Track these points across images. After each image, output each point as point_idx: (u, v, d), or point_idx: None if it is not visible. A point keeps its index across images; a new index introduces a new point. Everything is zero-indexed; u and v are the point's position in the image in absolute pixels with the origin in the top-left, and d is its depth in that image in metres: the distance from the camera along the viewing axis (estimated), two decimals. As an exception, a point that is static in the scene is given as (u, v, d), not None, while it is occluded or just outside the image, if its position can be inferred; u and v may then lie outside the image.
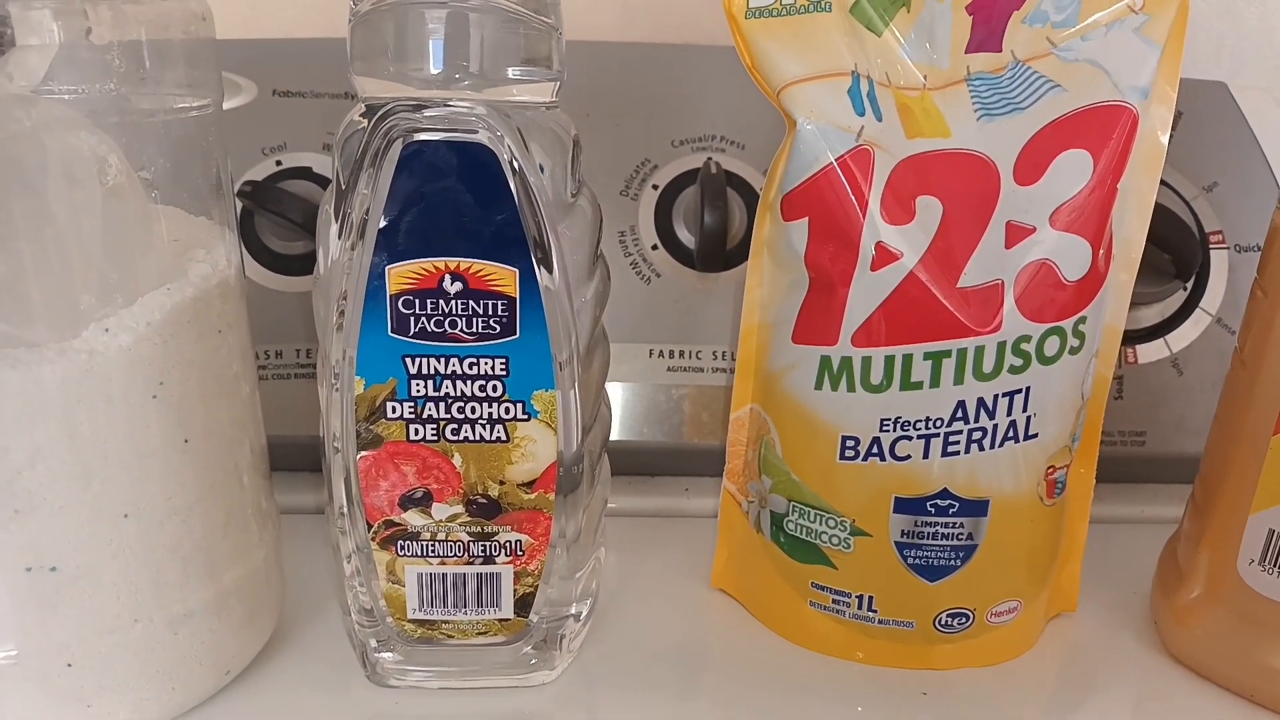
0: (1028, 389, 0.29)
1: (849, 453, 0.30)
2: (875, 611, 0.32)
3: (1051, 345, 0.29)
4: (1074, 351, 0.30)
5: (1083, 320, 0.30)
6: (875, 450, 0.30)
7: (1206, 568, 0.32)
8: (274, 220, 0.41)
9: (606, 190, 0.44)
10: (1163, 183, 0.45)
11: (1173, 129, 0.47)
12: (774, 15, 0.29)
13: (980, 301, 0.29)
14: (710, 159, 0.44)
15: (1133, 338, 0.44)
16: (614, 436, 0.42)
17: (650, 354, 0.43)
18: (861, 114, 0.29)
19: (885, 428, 0.30)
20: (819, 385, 0.30)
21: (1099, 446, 0.33)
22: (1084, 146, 0.29)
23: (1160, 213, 0.42)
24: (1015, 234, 0.29)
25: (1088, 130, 0.29)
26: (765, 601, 0.34)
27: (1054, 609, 0.35)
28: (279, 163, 0.43)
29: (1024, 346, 0.29)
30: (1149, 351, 0.44)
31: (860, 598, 0.32)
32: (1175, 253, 0.42)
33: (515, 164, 0.25)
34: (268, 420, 0.33)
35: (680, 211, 0.44)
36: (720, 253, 0.42)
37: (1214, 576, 0.32)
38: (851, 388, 0.30)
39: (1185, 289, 0.44)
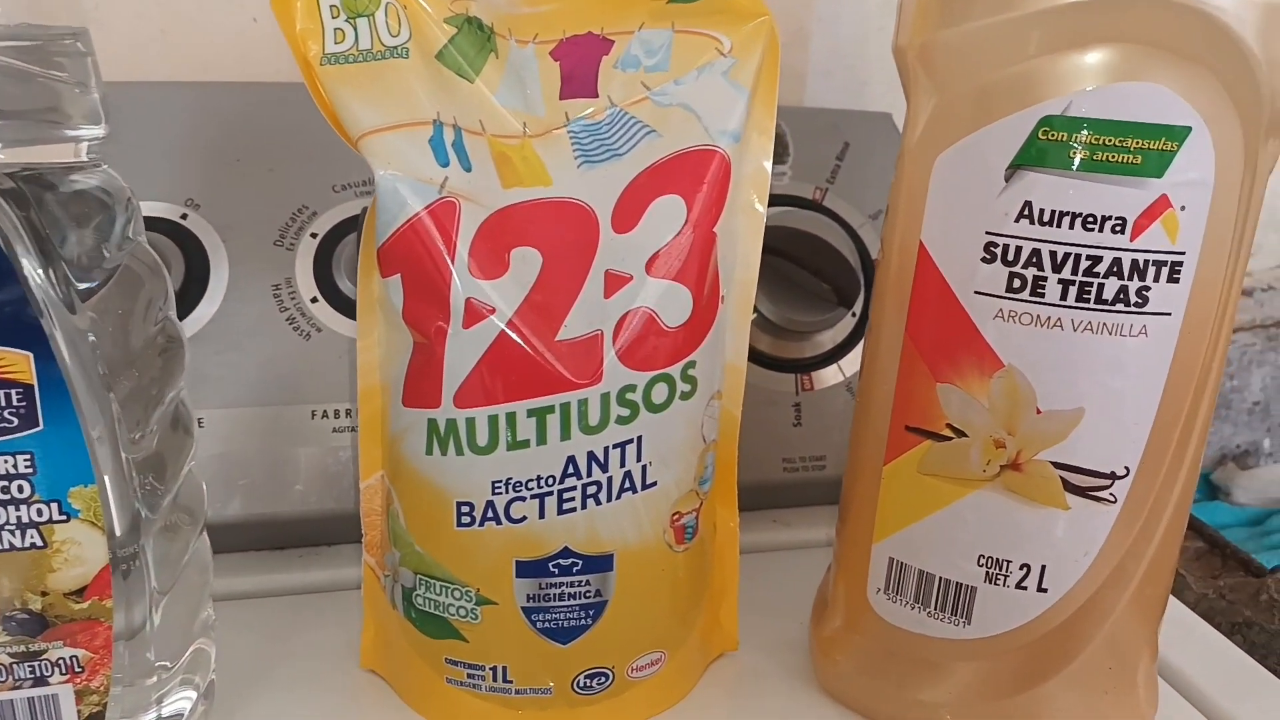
0: (639, 438, 0.29)
1: (465, 519, 0.29)
2: (511, 682, 0.30)
3: (659, 393, 0.29)
4: (685, 397, 0.29)
5: (691, 365, 0.29)
6: (491, 514, 0.29)
7: (844, 597, 0.33)
8: None
9: (259, 241, 0.41)
10: (828, 212, 0.47)
11: (840, 159, 0.49)
12: (350, 62, 0.28)
13: (581, 353, 0.28)
14: (373, 204, 0.41)
15: (808, 365, 0.45)
16: (277, 509, 0.39)
17: (313, 415, 0.40)
18: (445, 164, 0.28)
19: (498, 490, 0.28)
20: (429, 450, 0.29)
21: (736, 485, 0.33)
22: (677, 192, 0.29)
23: (818, 245, 0.44)
24: (614, 283, 0.28)
25: (680, 175, 0.29)
26: (407, 681, 0.32)
27: (714, 651, 0.35)
28: None
29: (630, 396, 0.28)
30: (824, 377, 0.45)
31: (494, 669, 0.30)
32: (833, 282, 0.43)
33: (17, 236, 0.22)
34: None
35: (341, 261, 0.41)
36: (383, 303, 0.40)
37: (850, 606, 0.33)
38: (460, 451, 0.28)
39: (854, 315, 0.45)
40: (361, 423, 0.31)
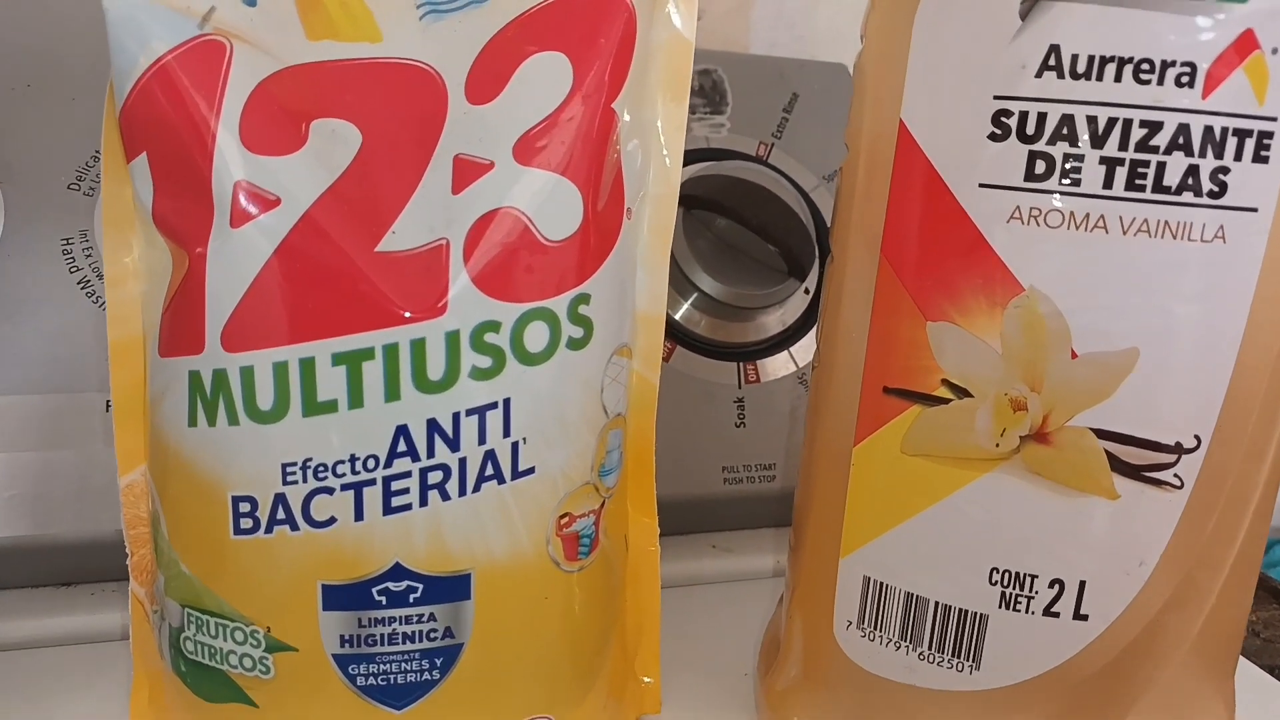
0: (507, 402, 0.20)
1: (245, 522, 0.19)
2: (323, 766, 0.21)
3: (536, 336, 0.20)
4: (576, 345, 0.21)
5: (584, 299, 0.21)
6: (282, 515, 0.19)
7: (803, 636, 0.24)
8: None
9: (47, 184, 0.32)
10: (778, 171, 0.39)
11: (787, 112, 0.41)
12: None
13: (416, 271, 0.19)
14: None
15: (752, 352, 0.37)
16: (57, 531, 0.30)
17: (108, 406, 0.31)
18: (213, -9, 0.19)
19: (291, 477, 0.19)
20: (193, 419, 0.20)
21: (654, 481, 0.24)
22: (559, 48, 0.20)
23: (764, 199, 0.36)
24: (467, 172, 0.20)
25: (564, 27, 0.20)
26: (181, 764, 0.22)
27: (628, 714, 0.25)
28: None
29: (491, 338, 0.20)
30: (772, 367, 0.37)
31: (296, 747, 0.21)
32: (783, 246, 0.35)
33: None
34: None
35: (157, 212, 0.32)
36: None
37: (811, 648, 0.24)
38: (234, 418, 0.19)
39: (807, 291, 0.37)
40: (115, 393, 0.22)
